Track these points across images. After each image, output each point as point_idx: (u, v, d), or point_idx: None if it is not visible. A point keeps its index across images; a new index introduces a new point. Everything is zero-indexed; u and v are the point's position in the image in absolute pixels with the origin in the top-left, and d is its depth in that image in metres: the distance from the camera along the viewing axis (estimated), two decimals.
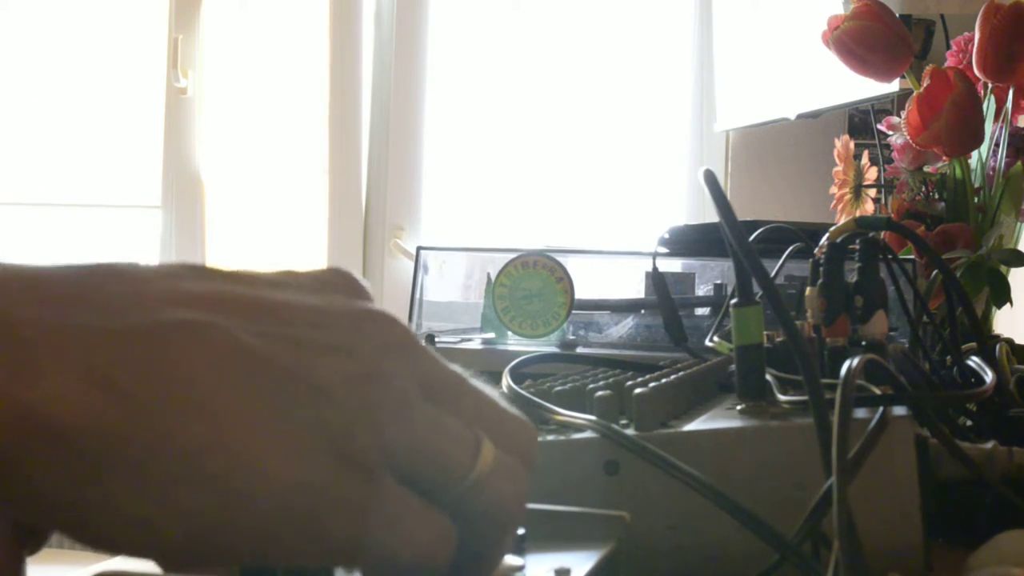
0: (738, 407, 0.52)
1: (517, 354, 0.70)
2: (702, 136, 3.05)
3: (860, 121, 2.76)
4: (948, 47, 1.42)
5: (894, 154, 1.38)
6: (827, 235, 0.63)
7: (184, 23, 2.84)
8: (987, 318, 1.27)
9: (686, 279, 1.02)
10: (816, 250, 0.64)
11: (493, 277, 0.96)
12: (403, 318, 1.09)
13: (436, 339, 0.95)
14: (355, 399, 0.29)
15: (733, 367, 0.54)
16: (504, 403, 0.33)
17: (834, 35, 1.33)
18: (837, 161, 1.47)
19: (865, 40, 1.32)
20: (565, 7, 3.08)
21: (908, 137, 1.28)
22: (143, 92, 2.89)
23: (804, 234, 0.82)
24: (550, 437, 0.51)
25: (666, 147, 3.09)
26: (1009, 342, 0.89)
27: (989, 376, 0.62)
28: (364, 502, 0.28)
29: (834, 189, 1.48)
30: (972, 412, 0.69)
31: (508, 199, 3.03)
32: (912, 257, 0.96)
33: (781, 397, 0.52)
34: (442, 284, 1.08)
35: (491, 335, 0.98)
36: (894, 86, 1.67)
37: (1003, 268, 1.23)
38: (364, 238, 2.96)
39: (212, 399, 0.27)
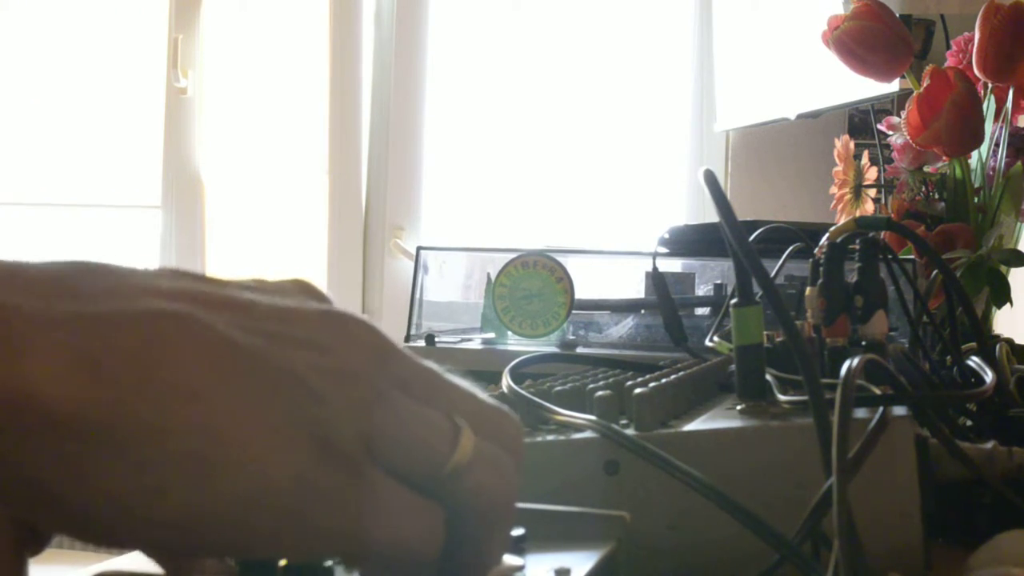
0: (738, 407, 0.52)
1: (517, 354, 0.70)
2: (702, 136, 3.05)
3: (860, 121, 2.76)
4: (948, 47, 1.42)
5: (894, 154, 1.38)
6: (827, 235, 0.63)
7: (184, 23, 2.85)
8: (987, 318, 1.27)
9: (686, 279, 1.02)
10: (816, 250, 0.64)
11: (493, 277, 0.96)
12: (403, 318, 1.09)
13: (436, 339, 0.95)
14: (332, 391, 0.29)
15: (733, 367, 0.54)
16: (483, 395, 0.34)
17: (834, 35, 1.33)
18: (837, 161, 1.47)
19: (865, 40, 1.32)
20: (565, 7, 3.08)
21: (908, 137, 1.28)
22: (143, 92, 2.89)
23: (804, 234, 0.82)
24: (550, 437, 0.51)
25: (666, 147, 3.09)
26: (1009, 342, 0.89)
27: (989, 376, 0.62)
28: (347, 490, 0.29)
29: (834, 189, 1.48)
30: (972, 412, 0.69)
31: (508, 199, 3.03)
32: (912, 257, 0.96)
33: (781, 397, 0.52)
34: (442, 284, 1.08)
35: (491, 335, 0.98)
36: (894, 86, 1.67)
37: (1003, 268, 1.23)
38: (364, 238, 2.96)
39: (196, 384, 0.27)
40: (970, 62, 1.31)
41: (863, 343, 0.60)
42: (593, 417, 0.50)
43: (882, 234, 0.68)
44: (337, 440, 0.29)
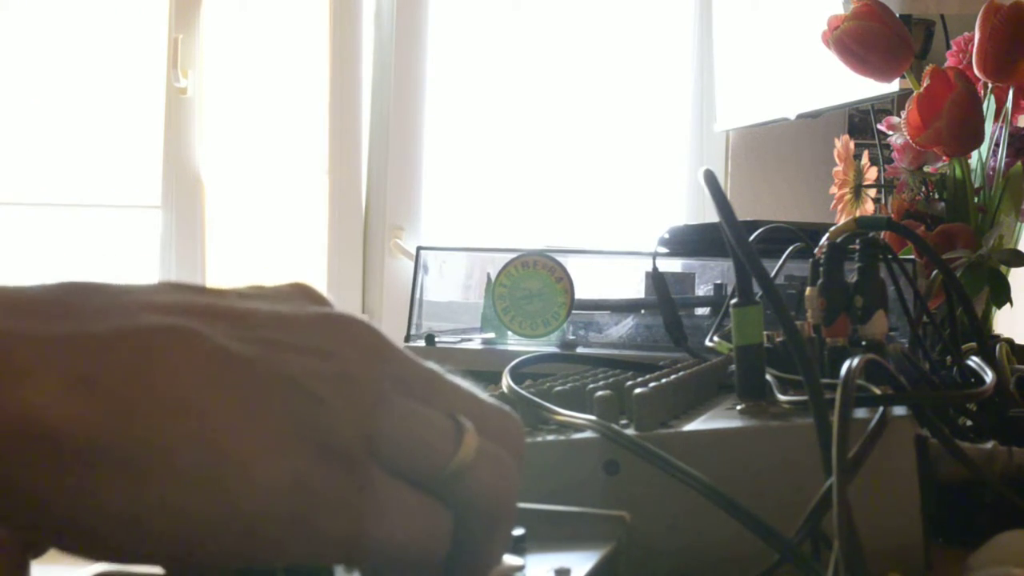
0: (738, 407, 0.52)
1: (517, 354, 0.70)
2: (702, 136, 3.05)
3: (860, 121, 2.76)
4: (948, 47, 1.42)
5: (894, 154, 1.38)
6: (827, 235, 0.63)
7: (184, 23, 2.84)
8: (987, 318, 1.27)
9: (686, 279, 1.02)
10: (816, 250, 0.64)
11: (493, 277, 0.96)
12: (403, 318, 1.09)
13: (436, 339, 0.95)
14: (332, 394, 0.29)
15: (733, 367, 0.54)
16: (484, 395, 0.34)
17: (834, 35, 1.33)
18: (837, 161, 1.47)
19: (865, 40, 1.32)
20: (565, 7, 3.08)
21: (908, 137, 1.28)
22: (143, 92, 2.89)
23: (804, 234, 0.82)
24: (550, 437, 0.51)
25: (666, 147, 3.09)
26: (1009, 342, 0.89)
27: (989, 376, 0.62)
28: (350, 493, 0.29)
29: (834, 189, 1.48)
30: (972, 412, 0.69)
31: (508, 199, 3.03)
32: (912, 257, 0.96)
33: (781, 397, 0.52)
34: (442, 284, 1.08)
35: (491, 335, 0.98)
36: (894, 86, 1.67)
37: (1003, 268, 1.23)
38: (364, 238, 2.96)
39: (194, 397, 0.28)
40: (970, 62, 1.31)
41: (863, 343, 0.60)
42: (593, 417, 0.50)
43: (882, 234, 0.68)
44: (339, 442, 0.29)
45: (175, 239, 2.86)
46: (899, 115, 1.33)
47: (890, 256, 0.70)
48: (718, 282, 1.01)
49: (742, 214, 0.53)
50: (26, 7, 2.91)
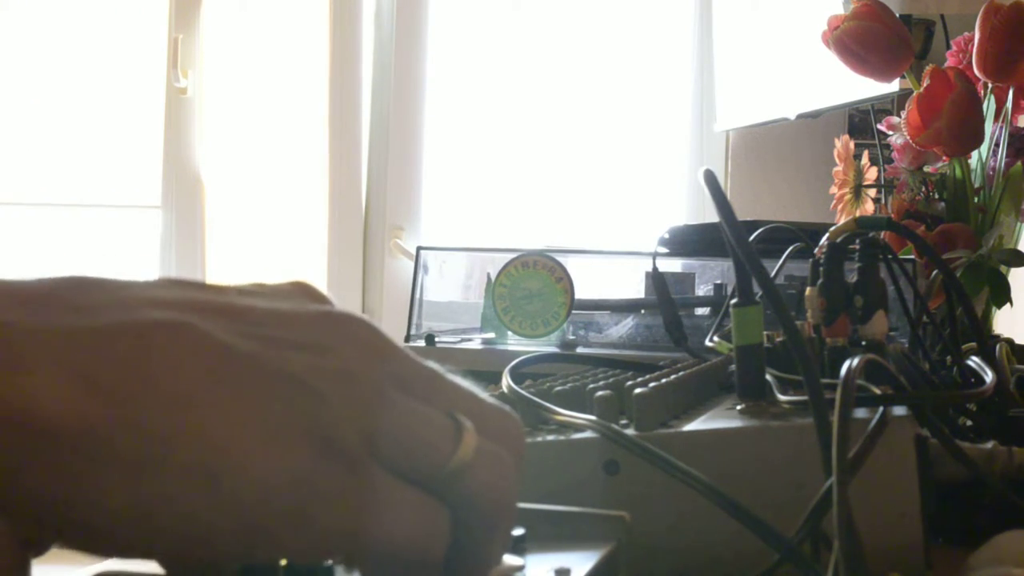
0: (738, 407, 0.52)
1: (517, 354, 0.70)
2: (702, 136, 3.05)
3: (860, 121, 2.76)
4: (948, 47, 1.42)
5: (894, 154, 1.38)
6: (827, 235, 0.63)
7: (184, 23, 2.84)
8: (987, 318, 1.27)
9: (686, 279, 1.02)
10: (816, 250, 0.64)
11: (493, 277, 0.96)
12: (403, 318, 1.09)
13: (436, 339, 0.95)
14: (332, 391, 0.29)
15: (733, 367, 0.54)
16: (484, 395, 0.34)
17: (834, 35, 1.33)
18: (837, 161, 1.47)
19: (865, 40, 1.32)
20: (565, 7, 3.08)
21: (908, 137, 1.28)
22: (143, 92, 2.89)
23: (804, 234, 0.82)
24: (550, 437, 0.51)
25: (666, 147, 3.09)
26: (1009, 342, 0.89)
27: (989, 376, 0.62)
28: (349, 489, 0.29)
29: (834, 189, 1.48)
30: (972, 412, 0.69)
31: (508, 199, 3.03)
32: (912, 257, 0.96)
33: (781, 397, 0.52)
34: (442, 284, 1.08)
35: (491, 335, 0.98)
36: (894, 86, 1.67)
37: (1003, 268, 1.23)
38: (364, 238, 2.96)
39: (193, 392, 0.28)
40: (970, 62, 1.31)
41: (863, 343, 0.60)
42: (593, 417, 0.50)
43: (882, 234, 0.68)
44: (338, 439, 0.29)
45: (175, 239, 2.86)
46: (899, 115, 1.33)
47: (890, 256, 0.70)
48: (718, 282, 1.01)
49: (742, 214, 0.53)
50: (26, 7, 2.91)
